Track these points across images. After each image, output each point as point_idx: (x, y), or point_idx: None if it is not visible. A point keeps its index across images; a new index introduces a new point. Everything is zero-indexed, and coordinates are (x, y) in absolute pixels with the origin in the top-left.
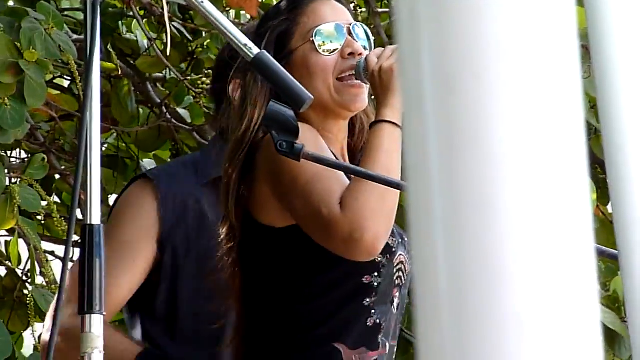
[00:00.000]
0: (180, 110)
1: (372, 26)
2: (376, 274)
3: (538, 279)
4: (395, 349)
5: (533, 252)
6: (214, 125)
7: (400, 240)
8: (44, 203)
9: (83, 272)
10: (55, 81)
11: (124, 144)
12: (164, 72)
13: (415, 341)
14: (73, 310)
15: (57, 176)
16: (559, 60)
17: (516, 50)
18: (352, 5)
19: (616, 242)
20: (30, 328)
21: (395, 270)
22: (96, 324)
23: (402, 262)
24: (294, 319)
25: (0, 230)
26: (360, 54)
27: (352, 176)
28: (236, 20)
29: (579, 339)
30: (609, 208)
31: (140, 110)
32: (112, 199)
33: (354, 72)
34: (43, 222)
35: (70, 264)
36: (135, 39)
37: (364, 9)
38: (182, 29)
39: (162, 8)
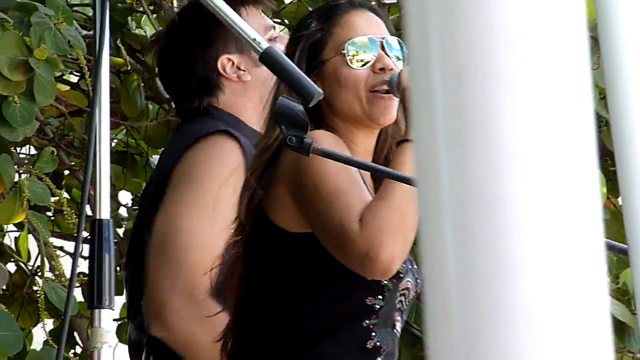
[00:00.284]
0: None
1: None
2: (380, 296)
3: (548, 273)
4: None
5: (543, 247)
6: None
7: (410, 266)
8: (53, 199)
9: (92, 267)
10: (64, 77)
11: (133, 140)
12: None
13: (423, 336)
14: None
15: (67, 172)
16: (568, 52)
17: (525, 43)
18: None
19: (625, 234)
20: (40, 323)
21: (399, 295)
22: (105, 318)
23: (407, 289)
24: (289, 329)
25: (10, 223)
26: (391, 69)
27: (374, 194)
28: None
29: (588, 332)
30: (620, 200)
31: (150, 105)
32: (121, 195)
33: (385, 87)
34: (52, 217)
35: (80, 260)
36: (144, 34)
37: (373, 2)
38: None
39: (172, 3)
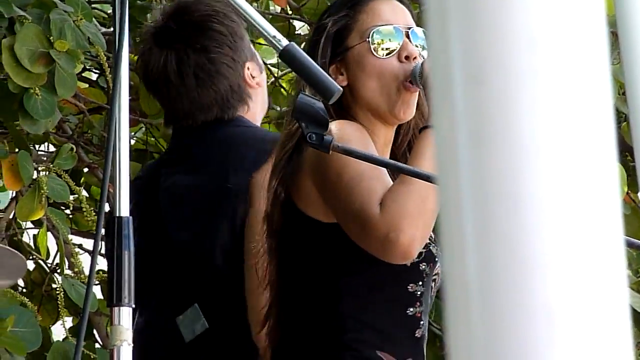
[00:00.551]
0: None
1: None
2: (420, 282)
3: (568, 270)
4: None
5: (563, 243)
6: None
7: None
8: (72, 197)
9: (111, 264)
10: (83, 74)
11: (152, 138)
12: None
13: (443, 334)
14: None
15: (85, 169)
16: (588, 48)
17: (545, 39)
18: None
19: None
20: (60, 320)
21: (432, 280)
22: (125, 316)
23: (438, 274)
24: (332, 318)
25: (29, 220)
26: (416, 58)
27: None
28: (265, 12)
29: (608, 329)
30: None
31: None
32: None
33: (409, 77)
34: (71, 215)
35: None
36: None
37: None
38: None
39: None
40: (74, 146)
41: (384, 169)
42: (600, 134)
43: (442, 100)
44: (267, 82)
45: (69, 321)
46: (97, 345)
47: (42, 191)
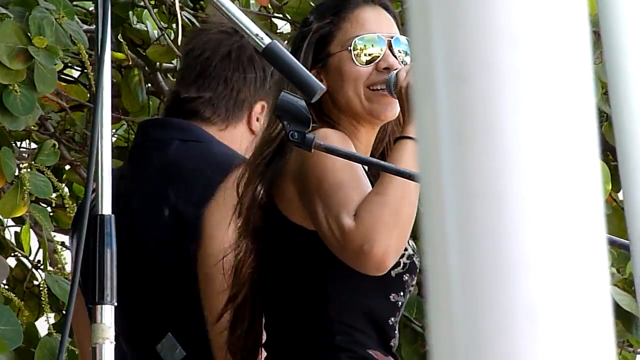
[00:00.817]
0: None
1: None
2: (402, 293)
3: (550, 268)
4: None
5: (545, 241)
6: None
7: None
8: (54, 194)
9: (94, 263)
10: (65, 71)
11: (134, 136)
12: (174, 62)
13: (424, 331)
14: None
15: (67, 167)
16: (570, 47)
17: (528, 37)
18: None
19: (627, 229)
20: (44, 316)
21: (409, 290)
22: (107, 314)
23: (414, 285)
24: (320, 322)
25: (12, 217)
26: (396, 69)
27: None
28: (246, 10)
29: (590, 327)
30: (621, 195)
31: (151, 101)
32: None
33: (384, 86)
34: (52, 213)
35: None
36: (145, 29)
37: None
38: (193, 19)
39: None
40: (56, 143)
41: (365, 179)
42: (583, 132)
43: (425, 98)
44: None
45: (51, 317)
46: None
47: (25, 188)
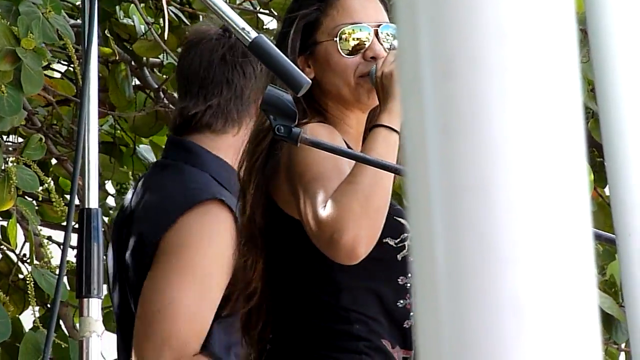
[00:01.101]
0: None
1: None
2: (410, 274)
3: (536, 263)
4: None
5: (531, 236)
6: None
7: None
8: (40, 188)
9: (81, 256)
10: (51, 66)
11: (120, 130)
12: (161, 57)
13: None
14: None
15: (54, 161)
16: (557, 44)
17: (514, 35)
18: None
19: (613, 225)
20: (29, 310)
21: None
22: (94, 307)
23: None
24: (335, 312)
25: None
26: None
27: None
28: (232, 5)
29: (576, 322)
30: (607, 191)
31: (137, 96)
32: (108, 184)
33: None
34: (37, 207)
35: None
36: (132, 23)
37: None
38: (180, 13)
39: None
40: (43, 137)
41: (345, 171)
42: (569, 128)
43: (412, 93)
44: None
45: (36, 311)
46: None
47: (12, 181)
